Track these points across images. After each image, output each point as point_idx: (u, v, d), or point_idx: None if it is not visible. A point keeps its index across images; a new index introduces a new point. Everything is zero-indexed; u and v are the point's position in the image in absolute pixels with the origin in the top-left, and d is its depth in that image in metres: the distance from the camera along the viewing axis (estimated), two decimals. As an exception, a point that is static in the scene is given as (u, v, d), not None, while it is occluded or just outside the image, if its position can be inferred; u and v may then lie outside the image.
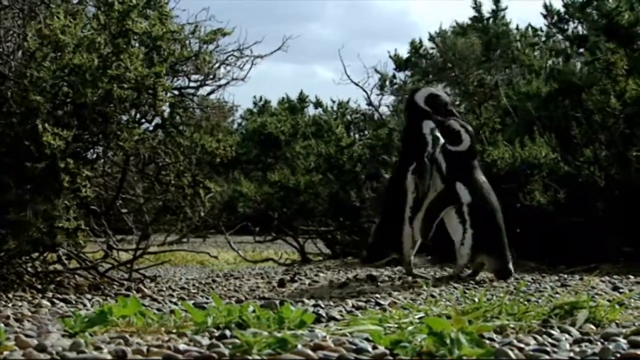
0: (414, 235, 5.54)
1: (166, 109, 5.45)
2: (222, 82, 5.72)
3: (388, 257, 5.80)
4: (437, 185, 5.56)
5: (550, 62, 10.70)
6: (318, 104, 19.55)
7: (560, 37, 12.69)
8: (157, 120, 5.49)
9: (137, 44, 5.06)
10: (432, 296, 4.35)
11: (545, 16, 13.39)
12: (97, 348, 2.52)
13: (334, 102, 18.52)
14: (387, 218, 5.72)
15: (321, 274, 6.52)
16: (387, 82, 12.97)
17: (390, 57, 15.61)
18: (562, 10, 13.12)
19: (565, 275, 6.07)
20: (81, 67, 4.53)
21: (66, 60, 4.53)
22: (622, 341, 2.71)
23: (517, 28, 14.38)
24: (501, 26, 14.76)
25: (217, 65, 5.61)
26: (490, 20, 15.29)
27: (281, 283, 5.76)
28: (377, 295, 4.72)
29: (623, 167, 7.34)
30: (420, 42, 15.63)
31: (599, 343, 2.74)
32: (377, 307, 4.03)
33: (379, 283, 5.59)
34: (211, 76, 5.59)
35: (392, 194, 5.69)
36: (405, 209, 5.53)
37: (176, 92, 5.60)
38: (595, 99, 7.40)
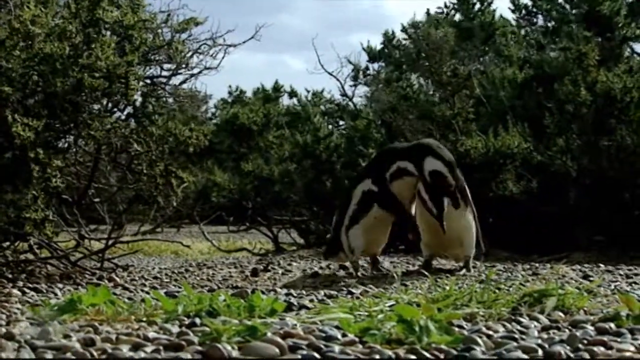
0: (350, 243, 5.47)
1: (138, 98, 5.42)
2: (195, 71, 5.70)
3: (336, 255, 5.70)
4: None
5: (523, 52, 10.74)
6: (293, 93, 19.56)
7: (529, 29, 12.75)
8: (129, 109, 5.46)
9: (108, 33, 5.03)
10: (404, 285, 4.36)
11: (513, 11, 13.47)
12: (66, 336, 2.51)
13: (308, 91, 18.56)
14: (339, 219, 5.66)
15: (294, 264, 6.52)
16: (361, 73, 12.97)
17: (363, 48, 15.64)
18: (530, 3, 13.19)
19: (537, 264, 6.11)
20: (52, 56, 4.50)
21: (36, 50, 4.50)
22: (590, 328, 2.73)
23: (492, 20, 14.46)
24: (477, 17, 14.82)
25: (189, 54, 5.59)
26: (464, 10, 15.36)
27: (254, 272, 5.76)
28: (350, 284, 4.73)
29: (594, 156, 7.40)
30: (393, 33, 15.67)
31: (567, 330, 2.76)
32: (349, 296, 4.04)
33: (351, 272, 5.60)
34: (184, 65, 5.57)
35: (344, 200, 5.68)
36: (344, 217, 5.52)
37: (148, 81, 5.57)
38: (566, 90, 7.44)
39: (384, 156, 5.64)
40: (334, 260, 5.90)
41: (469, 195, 5.45)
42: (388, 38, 15.50)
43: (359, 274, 5.46)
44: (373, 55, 15.38)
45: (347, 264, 5.78)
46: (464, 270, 5.45)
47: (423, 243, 5.61)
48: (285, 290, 4.39)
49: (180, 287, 4.49)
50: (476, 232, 5.52)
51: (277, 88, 20.89)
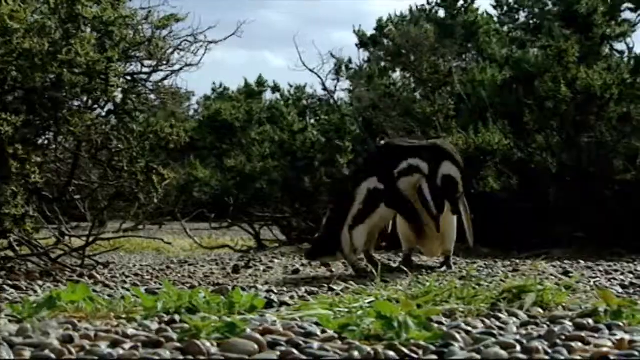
0: (353, 242, 5.31)
1: (119, 94, 5.41)
2: (176, 67, 5.69)
3: (332, 255, 5.51)
4: None
5: (505, 50, 10.77)
6: (275, 88, 19.54)
7: (511, 26, 12.80)
8: (110, 106, 5.45)
9: (88, 29, 5.01)
10: (385, 282, 4.37)
11: (495, 7, 13.51)
12: (45, 333, 2.51)
13: (291, 86, 18.53)
14: (335, 217, 5.49)
15: (276, 260, 6.53)
16: (343, 67, 12.98)
17: (354, 31, 15.52)
18: (512, 0, 13.23)
19: (517, 261, 6.14)
20: (31, 52, 4.48)
21: (15, 45, 4.48)
22: (568, 324, 2.75)
23: (475, 19, 14.48)
24: (460, 14, 14.84)
25: (170, 50, 5.58)
26: (447, 7, 15.37)
27: (235, 269, 5.76)
28: (331, 281, 4.74)
29: (574, 153, 7.43)
30: (387, 22, 15.57)
31: (545, 326, 2.78)
32: (330, 293, 4.04)
33: (332, 269, 5.61)
34: (164, 62, 5.56)
35: (344, 197, 5.53)
36: (348, 216, 5.33)
37: (129, 78, 5.56)
38: (546, 87, 7.47)
39: (390, 153, 5.50)
40: (322, 260, 5.75)
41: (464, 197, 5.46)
42: (381, 25, 15.43)
43: (376, 269, 5.32)
44: (364, 41, 15.27)
45: (339, 262, 5.71)
46: (444, 267, 5.46)
47: (403, 237, 5.60)
48: (266, 287, 4.40)
49: (161, 284, 4.49)
50: (468, 226, 5.52)
51: (260, 83, 20.86)
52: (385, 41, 14.30)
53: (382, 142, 6.78)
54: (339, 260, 5.60)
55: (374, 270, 5.18)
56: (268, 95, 19.85)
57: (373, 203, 5.29)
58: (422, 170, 5.23)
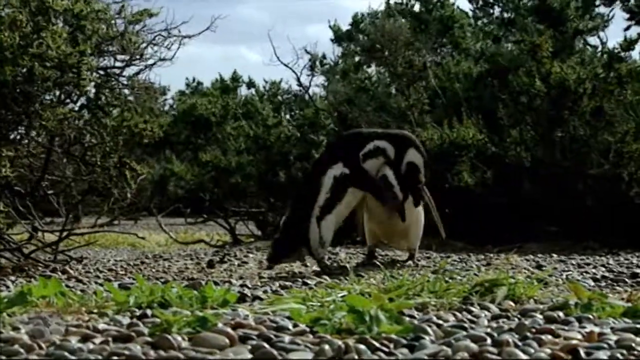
0: (322, 235, 5.14)
1: (92, 89, 5.38)
2: (150, 62, 5.67)
3: (296, 253, 5.26)
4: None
5: (480, 44, 10.80)
6: (250, 84, 19.51)
7: (485, 21, 12.83)
8: (83, 100, 5.42)
9: (60, 23, 4.98)
10: (359, 276, 4.38)
11: (470, 1, 13.52)
12: (15, 328, 2.49)
13: (266, 82, 18.50)
14: (297, 213, 5.28)
15: (251, 255, 6.52)
16: (318, 63, 12.97)
17: (329, 26, 15.50)
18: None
19: (491, 255, 6.16)
20: (1, 45, 4.45)
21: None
22: (539, 317, 2.76)
23: (451, 13, 14.49)
24: (435, 8, 14.85)
25: (144, 45, 5.56)
26: (422, 2, 15.38)
27: (210, 264, 5.75)
28: (305, 276, 4.74)
29: (548, 148, 7.47)
30: (362, 17, 15.56)
31: (516, 319, 2.79)
32: (304, 287, 4.04)
33: (307, 264, 5.60)
34: (138, 56, 5.54)
35: (306, 189, 5.36)
36: (314, 207, 5.15)
37: (102, 72, 5.53)
38: (521, 81, 7.51)
39: (352, 139, 5.43)
40: (287, 262, 5.43)
41: (425, 188, 5.45)
42: (356, 21, 15.41)
43: (328, 267, 5.19)
44: (339, 36, 15.24)
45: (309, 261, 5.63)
46: (409, 262, 5.47)
47: (368, 232, 5.59)
48: (240, 282, 4.39)
49: (134, 280, 4.47)
50: (437, 218, 5.51)
51: (235, 79, 20.82)
52: (361, 36, 14.31)
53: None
54: (303, 258, 5.37)
55: (347, 266, 5.20)
56: (243, 91, 19.84)
57: (341, 189, 5.15)
58: (387, 152, 5.20)
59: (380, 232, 5.54)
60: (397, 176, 5.18)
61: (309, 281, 4.32)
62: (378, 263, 5.11)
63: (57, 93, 5.16)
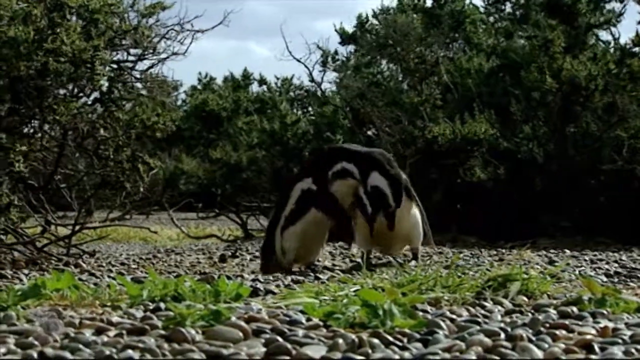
0: (283, 245, 5.08)
1: (105, 83, 5.39)
2: (162, 56, 5.67)
3: (268, 262, 5.14)
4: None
5: (492, 39, 10.77)
6: (262, 81, 19.50)
7: (497, 16, 12.80)
8: (96, 94, 5.42)
9: (74, 17, 4.99)
10: (370, 270, 4.37)
11: (481, -2, 13.49)
12: (29, 321, 2.50)
13: (277, 78, 18.49)
14: (270, 222, 5.26)
15: (262, 250, 6.51)
16: (330, 59, 12.95)
17: (335, 30, 15.52)
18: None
19: (504, 250, 6.15)
20: (16, 40, 4.45)
21: (0, 33, 4.45)
22: (552, 312, 2.75)
23: (462, 7, 14.46)
24: (447, 3, 14.83)
25: (157, 39, 5.56)
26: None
27: (222, 258, 5.76)
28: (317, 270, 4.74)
29: (560, 143, 7.45)
30: (367, 17, 15.58)
31: (529, 314, 2.79)
32: (316, 281, 4.04)
33: (319, 259, 5.59)
34: (151, 50, 5.54)
35: (280, 199, 5.34)
36: (281, 216, 5.12)
37: (115, 66, 5.54)
38: (533, 77, 7.49)
39: (327, 155, 5.34)
40: (276, 271, 5.12)
41: (412, 190, 5.35)
42: (361, 21, 15.42)
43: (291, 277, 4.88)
44: (345, 38, 15.26)
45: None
46: (413, 262, 5.40)
47: (362, 238, 5.47)
48: (252, 276, 4.39)
49: (147, 273, 4.48)
50: (427, 230, 5.44)
51: (246, 76, 20.82)
52: (369, 36, 14.28)
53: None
54: (276, 269, 5.09)
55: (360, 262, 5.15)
56: (255, 88, 19.82)
57: (305, 204, 5.08)
58: (354, 175, 5.09)
59: (383, 242, 5.44)
60: (367, 194, 5.08)
61: (320, 275, 4.32)
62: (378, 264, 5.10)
63: (71, 87, 5.17)
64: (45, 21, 4.71)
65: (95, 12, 5.03)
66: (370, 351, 2.18)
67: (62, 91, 5.08)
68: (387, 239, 5.39)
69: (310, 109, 14.84)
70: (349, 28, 15.24)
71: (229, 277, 3.97)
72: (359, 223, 5.39)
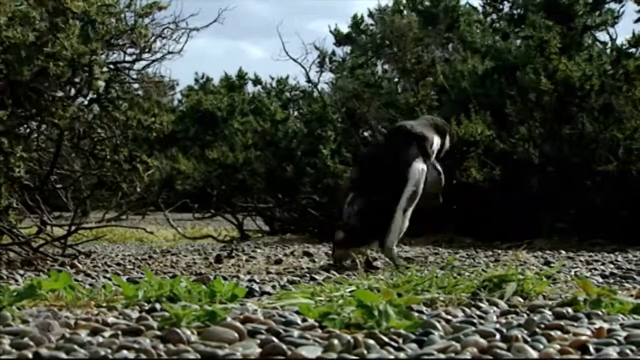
0: (402, 228, 4.99)
1: (102, 83, 5.37)
2: (158, 55, 5.66)
3: (367, 245, 5.05)
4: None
5: (489, 40, 10.77)
6: (257, 81, 19.48)
7: (495, 16, 12.80)
8: (92, 94, 5.41)
9: (71, 18, 4.97)
10: (367, 271, 4.38)
11: (479, -3, 13.47)
12: (24, 321, 2.50)
13: (272, 79, 18.46)
14: (375, 204, 5.00)
15: (259, 250, 6.52)
16: (327, 59, 12.93)
17: (330, 31, 15.50)
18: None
19: (500, 251, 6.16)
20: (16, 45, 4.43)
21: (3, 37, 4.43)
22: (548, 313, 2.76)
23: (456, 5, 14.44)
24: (442, 2, 14.81)
25: (152, 38, 5.55)
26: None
27: (218, 259, 5.75)
28: (313, 271, 4.74)
29: (556, 144, 7.46)
30: (362, 17, 15.55)
31: (525, 315, 2.79)
32: (312, 282, 4.05)
33: (315, 259, 5.61)
34: (147, 50, 5.53)
35: (386, 180, 5.08)
36: (401, 198, 4.93)
37: (112, 67, 5.53)
38: (528, 78, 7.49)
39: (421, 133, 5.20)
40: (352, 253, 5.12)
41: None
42: (356, 22, 15.40)
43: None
44: (340, 39, 15.24)
45: (313, 249, 5.65)
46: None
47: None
48: (248, 277, 4.40)
49: (142, 274, 4.48)
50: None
51: (241, 76, 20.79)
52: (364, 36, 14.27)
53: None
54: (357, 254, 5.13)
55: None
56: (250, 88, 19.80)
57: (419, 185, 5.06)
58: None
59: None
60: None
61: (316, 276, 4.32)
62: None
63: (68, 89, 5.16)
64: (45, 24, 4.69)
65: (94, 14, 5.02)
66: (365, 352, 2.19)
67: (59, 93, 5.07)
68: None
69: (305, 109, 14.83)
70: (344, 29, 15.27)
71: (224, 278, 3.98)
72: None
